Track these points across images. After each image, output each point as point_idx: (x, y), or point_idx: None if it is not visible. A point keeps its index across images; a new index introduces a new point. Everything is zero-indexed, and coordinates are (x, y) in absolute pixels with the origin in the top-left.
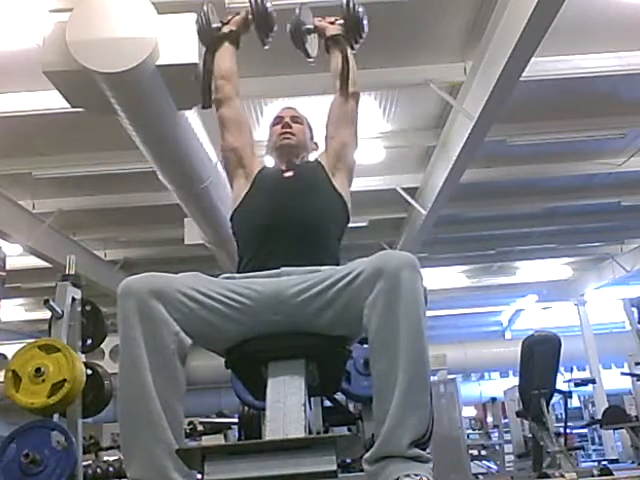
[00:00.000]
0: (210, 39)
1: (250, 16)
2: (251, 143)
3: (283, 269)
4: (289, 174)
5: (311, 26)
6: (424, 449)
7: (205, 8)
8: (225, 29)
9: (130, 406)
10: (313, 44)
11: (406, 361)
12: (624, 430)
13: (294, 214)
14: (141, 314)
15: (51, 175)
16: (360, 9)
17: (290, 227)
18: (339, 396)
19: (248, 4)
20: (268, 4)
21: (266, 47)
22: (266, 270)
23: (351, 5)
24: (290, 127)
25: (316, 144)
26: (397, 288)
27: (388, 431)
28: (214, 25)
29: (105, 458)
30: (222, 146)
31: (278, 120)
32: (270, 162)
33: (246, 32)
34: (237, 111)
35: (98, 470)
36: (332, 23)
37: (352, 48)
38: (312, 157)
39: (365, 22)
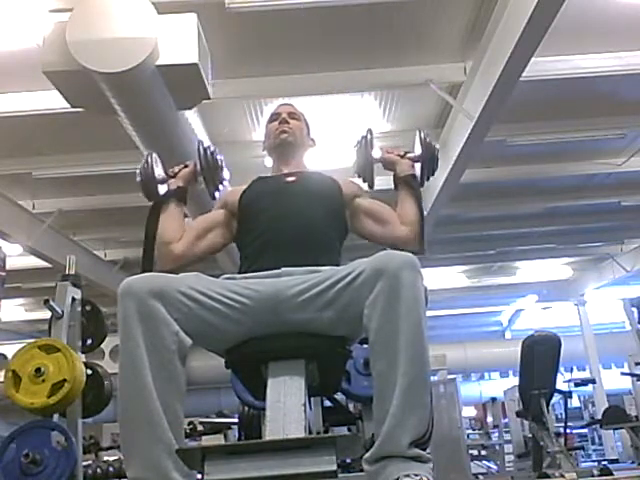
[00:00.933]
0: (154, 197)
1: (198, 168)
2: (216, 218)
3: (283, 269)
4: (291, 179)
5: (379, 159)
6: (424, 449)
7: (149, 159)
8: (172, 184)
9: (130, 406)
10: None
11: (406, 361)
12: (624, 430)
13: (295, 218)
14: (141, 314)
15: (51, 175)
16: (437, 145)
17: (291, 229)
18: (339, 396)
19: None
20: (218, 156)
21: (215, 200)
22: (266, 270)
23: (427, 140)
24: (288, 123)
25: (313, 140)
26: (397, 288)
27: (388, 431)
28: (158, 177)
29: (105, 458)
30: (222, 249)
31: (275, 117)
32: (269, 162)
33: (194, 186)
34: (194, 244)
35: (98, 470)
36: (402, 156)
37: (422, 184)
38: (308, 154)
39: (439, 157)
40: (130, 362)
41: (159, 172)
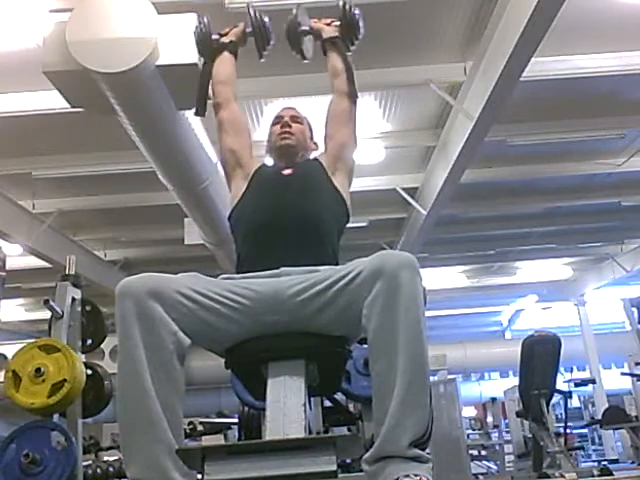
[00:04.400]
0: (209, 49)
1: (248, 29)
2: (249, 145)
3: (282, 269)
4: (288, 172)
5: (307, 27)
6: (424, 449)
7: (205, 18)
8: (224, 39)
9: (129, 406)
10: (309, 45)
11: (405, 361)
12: (624, 430)
13: (293, 211)
14: (139, 314)
15: (51, 175)
16: (356, 10)
17: (289, 225)
18: (339, 396)
19: (246, 6)
20: (266, 18)
21: (262, 60)
22: (265, 268)
23: (347, 7)
24: (290, 127)
25: (316, 144)
26: (396, 288)
27: (388, 431)
28: (213, 36)
29: (105, 458)
30: (221, 148)
31: (278, 120)
32: (269, 162)
33: (243, 45)
34: (236, 114)
35: (98, 470)
36: (328, 25)
37: (348, 49)
38: (312, 156)
39: (361, 23)
40: (129, 362)
41: (212, 31)
